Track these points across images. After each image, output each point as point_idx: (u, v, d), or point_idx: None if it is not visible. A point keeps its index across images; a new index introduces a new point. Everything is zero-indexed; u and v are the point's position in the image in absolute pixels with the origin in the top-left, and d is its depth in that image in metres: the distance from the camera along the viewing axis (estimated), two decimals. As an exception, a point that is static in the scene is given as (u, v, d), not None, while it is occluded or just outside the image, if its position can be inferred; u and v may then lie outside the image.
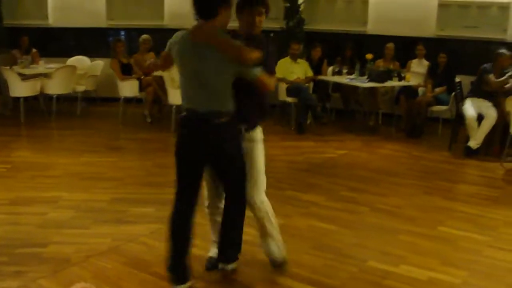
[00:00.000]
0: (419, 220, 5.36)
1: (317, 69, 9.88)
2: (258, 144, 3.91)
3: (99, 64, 10.83)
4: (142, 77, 9.59)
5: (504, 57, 7.84)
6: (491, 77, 7.82)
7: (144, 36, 9.97)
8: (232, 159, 3.70)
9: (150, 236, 4.77)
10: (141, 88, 9.57)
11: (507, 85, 7.80)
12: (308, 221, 5.25)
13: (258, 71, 3.55)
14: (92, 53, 11.09)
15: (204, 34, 3.50)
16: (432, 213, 5.58)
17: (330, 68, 10.17)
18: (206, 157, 3.66)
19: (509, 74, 7.77)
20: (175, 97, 8.61)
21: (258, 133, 3.91)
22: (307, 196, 5.94)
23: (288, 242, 4.34)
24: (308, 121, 9.37)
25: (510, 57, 7.89)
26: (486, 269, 4.36)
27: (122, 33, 11.55)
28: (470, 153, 7.73)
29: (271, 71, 3.76)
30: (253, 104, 3.78)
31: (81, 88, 10.30)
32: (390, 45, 9.81)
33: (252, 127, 3.84)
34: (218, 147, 3.61)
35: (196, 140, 3.59)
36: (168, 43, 3.67)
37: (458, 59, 9.42)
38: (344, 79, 9.37)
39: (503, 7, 9.80)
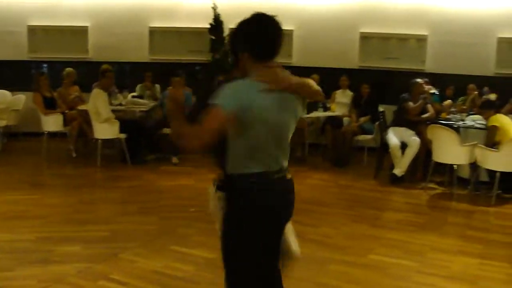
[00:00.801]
0: (349, 249, 5.43)
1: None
2: None
3: (21, 98, 10.53)
4: (66, 111, 9.38)
5: (418, 84, 8.20)
6: (410, 104, 8.11)
7: (68, 69, 9.79)
8: None
9: (78, 276, 4.61)
10: (66, 122, 9.34)
11: (427, 114, 8.11)
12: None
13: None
14: (13, 87, 10.77)
15: (286, 80, 2.81)
16: (362, 241, 5.68)
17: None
18: (284, 224, 3.04)
19: (423, 96, 8.11)
20: (100, 131, 8.48)
21: None
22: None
23: (222, 277, 4.27)
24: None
25: (424, 83, 8.28)
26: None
27: (45, 66, 11.30)
28: (395, 180, 7.95)
29: None
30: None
31: (2, 123, 9.96)
32: (315, 77, 9.98)
33: None
34: (292, 206, 3.05)
35: (276, 206, 2.91)
36: (226, 100, 2.63)
37: (380, 89, 9.75)
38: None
39: (421, 39, 10.23)
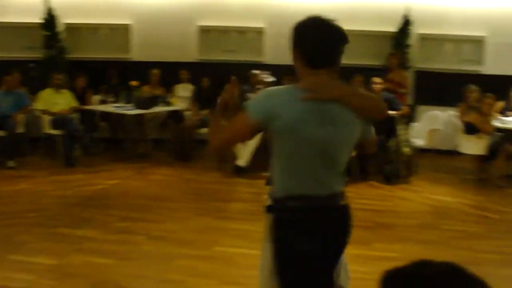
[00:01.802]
0: (195, 242, 5.39)
1: (82, 98, 9.53)
2: None
3: None
4: None
5: (254, 75, 8.37)
6: (250, 95, 8.23)
7: None
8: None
9: None
10: None
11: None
12: (84, 257, 4.98)
13: (372, 129, 2.66)
14: None
15: (334, 90, 2.42)
16: (207, 234, 5.66)
17: (96, 97, 9.90)
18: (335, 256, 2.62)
19: (259, 86, 8.29)
20: None
21: None
22: (80, 232, 5.64)
23: (65, 282, 4.07)
24: (77, 153, 8.98)
25: (260, 73, 8.47)
26: (261, 283, 4.51)
27: None
28: (240, 171, 8.04)
29: None
30: None
31: None
32: (155, 71, 9.87)
33: None
34: (345, 237, 2.63)
35: (323, 235, 2.51)
36: (258, 107, 2.40)
37: (221, 82, 9.77)
38: (110, 108, 9.19)
39: (259, 32, 10.43)
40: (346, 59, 8.76)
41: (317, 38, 2.41)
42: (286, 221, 2.49)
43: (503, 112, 8.57)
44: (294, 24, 2.48)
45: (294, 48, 2.47)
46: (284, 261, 2.50)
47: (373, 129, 2.63)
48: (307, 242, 2.44)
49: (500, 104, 8.64)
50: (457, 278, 1.21)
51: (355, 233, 5.66)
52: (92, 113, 9.51)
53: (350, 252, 5.09)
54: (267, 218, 2.64)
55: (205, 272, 4.70)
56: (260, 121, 2.37)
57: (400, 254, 5.07)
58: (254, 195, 7.27)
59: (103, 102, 9.64)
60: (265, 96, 2.42)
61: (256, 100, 2.44)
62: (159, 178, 7.97)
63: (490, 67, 8.94)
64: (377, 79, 7.90)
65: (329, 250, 2.53)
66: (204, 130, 9.20)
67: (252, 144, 7.95)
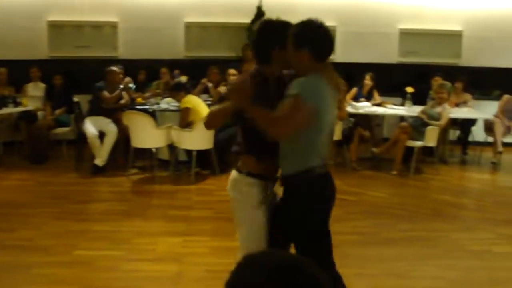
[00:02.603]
0: (53, 248, 5.17)
1: None
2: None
3: None
4: None
5: (114, 73, 8.12)
6: (105, 93, 8.02)
7: None
8: None
9: None
10: None
11: (122, 101, 8.12)
12: None
13: None
14: None
15: (336, 77, 3.12)
16: (66, 238, 5.45)
17: None
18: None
19: (121, 87, 8.12)
20: None
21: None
22: None
23: None
24: None
25: (120, 72, 8.25)
26: (126, 284, 4.44)
27: None
28: (98, 171, 7.82)
29: None
30: None
31: None
32: (2, 70, 9.32)
33: None
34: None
35: (330, 197, 3.22)
36: (310, 93, 2.92)
37: (74, 79, 9.49)
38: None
39: (113, 26, 10.19)
40: (203, 52, 8.95)
41: (326, 37, 3.02)
42: (311, 186, 3.08)
43: (355, 99, 9.04)
44: (296, 28, 3.00)
45: (300, 47, 2.96)
46: (305, 216, 3.11)
47: None
48: (323, 201, 3.16)
49: (353, 91, 9.11)
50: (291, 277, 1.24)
51: (217, 225, 5.78)
52: None
53: (211, 245, 5.21)
54: (278, 189, 3.22)
55: (65, 278, 4.53)
56: (317, 107, 2.92)
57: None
58: (115, 194, 7.16)
59: None
60: (313, 86, 2.95)
61: (307, 89, 2.92)
62: (13, 184, 7.54)
63: (340, 55, 9.34)
64: (232, 71, 8.01)
65: (331, 205, 3.21)
66: (60, 130, 8.86)
67: (109, 142, 7.82)
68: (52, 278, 4.52)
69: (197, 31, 10.42)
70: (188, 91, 7.83)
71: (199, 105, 7.66)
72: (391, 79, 10.10)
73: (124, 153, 8.07)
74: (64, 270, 4.69)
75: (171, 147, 7.80)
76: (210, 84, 8.69)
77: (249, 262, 1.28)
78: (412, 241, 5.54)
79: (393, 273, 4.72)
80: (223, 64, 8.80)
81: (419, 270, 4.82)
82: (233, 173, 3.28)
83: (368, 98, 9.19)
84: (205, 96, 8.81)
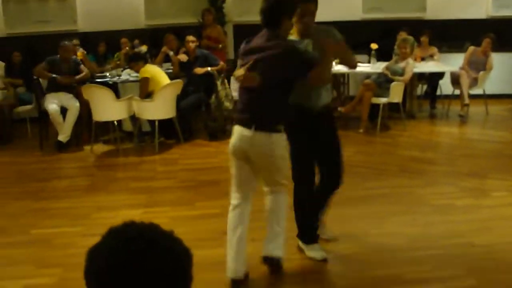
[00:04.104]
0: (10, 229, 5.09)
1: None
2: None
3: None
4: None
5: (65, 48, 7.87)
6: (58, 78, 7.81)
7: None
8: None
9: None
10: None
11: (80, 75, 7.92)
12: None
13: None
14: None
15: None
16: (25, 218, 5.36)
17: None
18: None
19: (75, 60, 7.94)
20: None
21: None
22: None
23: None
24: None
25: (72, 46, 8.07)
26: (82, 260, 4.37)
27: None
28: (62, 147, 7.69)
29: None
30: None
31: None
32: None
33: None
34: None
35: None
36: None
37: (33, 55, 9.27)
38: None
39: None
40: (164, 19, 8.66)
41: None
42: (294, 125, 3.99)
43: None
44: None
45: (290, 14, 3.77)
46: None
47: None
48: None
49: None
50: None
51: (178, 195, 5.72)
52: None
53: (171, 215, 5.16)
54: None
55: (21, 258, 4.46)
56: None
57: (221, 210, 5.12)
58: (79, 169, 7.07)
59: None
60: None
61: (311, 52, 3.91)
62: (-27, 166, 7.41)
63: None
64: (190, 37, 7.86)
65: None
66: (22, 108, 8.69)
67: (72, 118, 7.68)
68: (8, 260, 4.46)
69: (156, -2, 10.23)
70: (146, 61, 7.69)
71: (158, 74, 7.53)
72: (356, 36, 9.96)
73: (88, 127, 7.93)
74: (21, 251, 4.62)
75: (133, 118, 7.69)
76: (171, 52, 8.53)
77: (110, 232, 1.30)
78: (375, 199, 5.52)
79: (351, 233, 4.70)
80: (182, 30, 8.63)
81: (378, 228, 4.81)
82: (272, 135, 3.74)
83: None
84: (167, 64, 8.67)
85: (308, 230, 4.38)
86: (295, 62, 3.69)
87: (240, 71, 3.81)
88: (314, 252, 4.34)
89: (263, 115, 3.74)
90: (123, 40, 9.36)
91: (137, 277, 1.22)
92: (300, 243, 4.43)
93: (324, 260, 4.29)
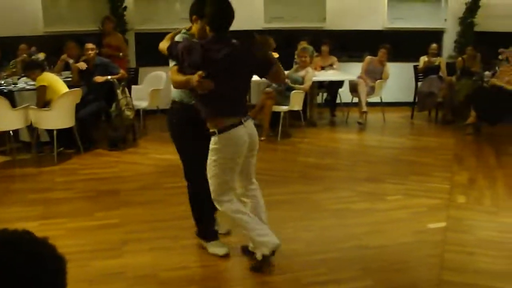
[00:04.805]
0: None
1: None
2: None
3: None
4: None
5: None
6: None
7: None
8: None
9: None
10: None
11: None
12: None
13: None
14: None
15: None
16: None
17: None
18: None
19: None
20: None
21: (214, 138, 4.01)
22: None
23: None
24: None
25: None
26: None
27: None
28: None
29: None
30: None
31: None
32: None
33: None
34: None
35: None
36: None
37: None
38: None
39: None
40: (63, 26, 8.46)
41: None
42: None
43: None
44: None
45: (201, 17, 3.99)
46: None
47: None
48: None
49: None
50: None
51: (76, 206, 5.59)
52: None
53: (69, 226, 5.03)
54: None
55: None
56: None
57: (120, 220, 5.09)
58: None
59: None
60: None
61: None
62: None
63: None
64: (89, 45, 7.72)
65: None
66: None
67: None
68: None
69: (55, 4, 9.96)
70: (44, 69, 7.47)
71: (56, 82, 7.32)
72: (257, 45, 10.13)
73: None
74: None
75: (31, 128, 7.44)
76: (71, 60, 8.33)
77: None
78: (272, 205, 5.53)
79: (246, 239, 4.75)
80: (84, 38, 8.45)
81: (276, 234, 4.82)
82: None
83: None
84: (67, 73, 8.46)
85: (207, 226, 4.52)
86: None
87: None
88: (216, 248, 4.47)
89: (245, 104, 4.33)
90: (22, 46, 9.01)
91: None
92: (201, 241, 4.53)
93: (227, 255, 4.42)
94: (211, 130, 3.98)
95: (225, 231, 4.76)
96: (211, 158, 4.03)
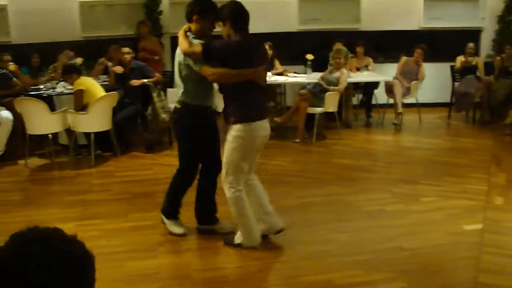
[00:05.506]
0: None
1: None
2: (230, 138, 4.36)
3: None
4: None
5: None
6: None
7: None
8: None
9: None
10: None
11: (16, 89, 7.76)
12: None
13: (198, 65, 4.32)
14: None
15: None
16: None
17: None
18: None
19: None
20: None
21: (233, 129, 4.32)
22: None
23: None
24: None
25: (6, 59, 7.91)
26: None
27: None
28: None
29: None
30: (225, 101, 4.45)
31: None
32: None
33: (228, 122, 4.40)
34: None
35: None
36: None
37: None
38: None
39: (3, 10, 9.72)
40: (100, 31, 8.65)
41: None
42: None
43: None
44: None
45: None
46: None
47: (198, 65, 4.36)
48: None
49: None
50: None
51: (112, 207, 5.68)
52: None
53: (105, 227, 5.11)
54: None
55: None
56: None
57: (155, 221, 5.13)
58: (10, 184, 6.94)
59: None
60: None
61: None
62: None
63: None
64: (125, 49, 7.83)
65: None
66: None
67: (5, 131, 7.51)
68: None
69: (92, 10, 10.13)
70: (81, 73, 7.61)
71: (93, 86, 7.46)
72: (292, 47, 10.17)
73: (22, 141, 7.76)
74: None
75: (69, 131, 7.58)
76: (109, 64, 8.47)
77: (11, 237, 1.35)
78: (307, 208, 5.60)
79: (283, 241, 4.76)
80: (120, 42, 8.58)
81: (310, 235, 4.88)
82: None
83: (270, 67, 9.19)
84: (104, 76, 8.60)
85: (175, 208, 4.92)
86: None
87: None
88: (176, 227, 4.86)
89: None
90: (65, 52, 9.18)
91: (33, 278, 1.26)
92: (163, 218, 4.95)
93: (184, 235, 4.79)
94: (233, 119, 4.32)
95: (227, 229, 4.86)
96: (231, 144, 4.33)
